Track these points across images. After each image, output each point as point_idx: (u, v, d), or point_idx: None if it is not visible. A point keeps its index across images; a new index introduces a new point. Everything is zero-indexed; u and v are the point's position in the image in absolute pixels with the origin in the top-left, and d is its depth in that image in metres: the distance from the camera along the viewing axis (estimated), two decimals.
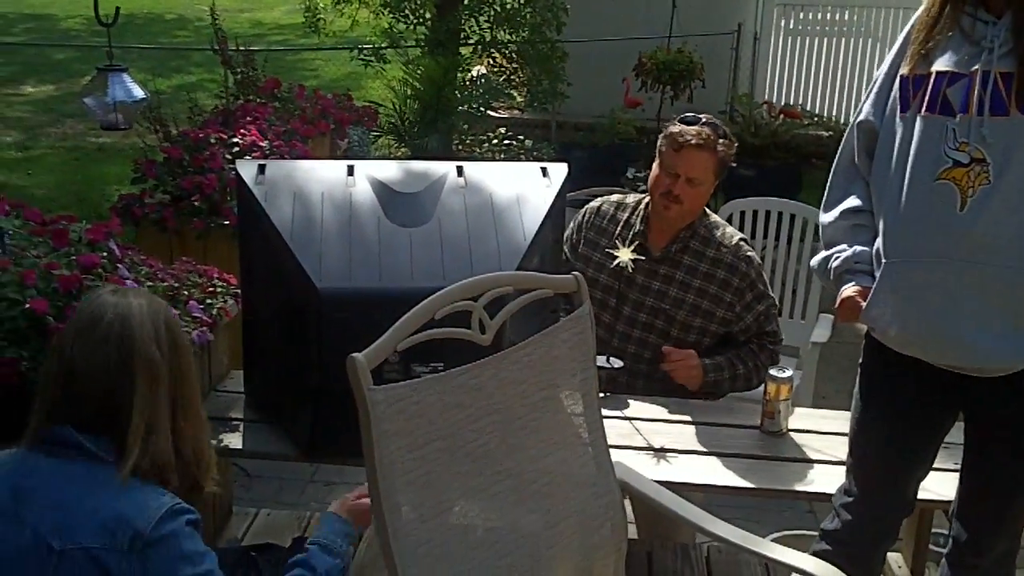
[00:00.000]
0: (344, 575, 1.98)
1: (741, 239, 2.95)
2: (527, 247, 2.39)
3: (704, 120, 2.86)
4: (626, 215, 3.00)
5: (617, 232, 2.97)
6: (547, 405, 1.99)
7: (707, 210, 2.98)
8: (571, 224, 3.05)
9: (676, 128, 2.85)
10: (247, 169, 2.49)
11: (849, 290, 2.16)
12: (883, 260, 2.10)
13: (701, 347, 2.90)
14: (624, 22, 7.89)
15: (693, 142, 2.80)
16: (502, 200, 2.51)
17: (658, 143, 2.90)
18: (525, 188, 2.55)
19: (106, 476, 1.68)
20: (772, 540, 2.23)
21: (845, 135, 2.27)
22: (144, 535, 1.63)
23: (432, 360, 2.16)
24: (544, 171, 2.61)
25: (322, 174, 2.53)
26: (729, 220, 4.15)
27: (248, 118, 4.68)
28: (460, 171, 2.57)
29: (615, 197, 3.10)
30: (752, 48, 8.65)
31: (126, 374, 1.71)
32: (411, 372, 2.21)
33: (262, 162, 2.56)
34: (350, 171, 2.52)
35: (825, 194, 2.30)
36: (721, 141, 2.85)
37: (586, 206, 3.09)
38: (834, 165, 2.29)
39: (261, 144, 4.31)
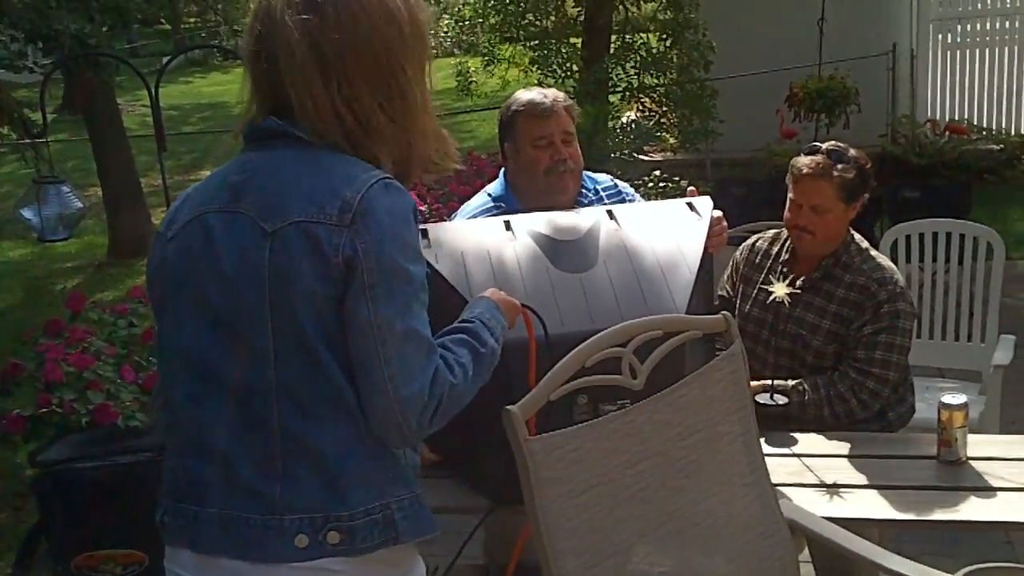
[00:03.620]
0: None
1: (885, 266, 2.88)
2: (694, 281, 2.37)
3: (824, 148, 2.87)
4: (776, 248, 3.03)
5: (768, 265, 2.99)
6: (706, 446, 1.98)
7: (855, 237, 2.94)
8: (730, 263, 3.07)
9: (795, 160, 2.89)
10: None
11: None
12: None
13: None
14: (772, 53, 7.80)
15: (806, 172, 2.82)
16: (660, 239, 2.50)
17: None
18: (677, 224, 2.56)
19: (315, 155, 1.62)
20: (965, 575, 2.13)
21: None
22: (352, 205, 1.55)
23: (620, 398, 2.13)
24: (691, 206, 2.62)
25: (483, 231, 2.60)
26: (895, 244, 4.03)
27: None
28: (611, 215, 2.60)
29: (770, 233, 3.12)
30: (910, 67, 8.40)
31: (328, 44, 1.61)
32: (599, 411, 2.18)
33: (423, 227, 2.64)
34: (507, 226, 2.58)
35: None
36: (839, 167, 2.82)
37: (743, 243, 3.11)
38: None
39: (421, 208, 4.47)
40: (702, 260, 2.45)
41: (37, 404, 2.33)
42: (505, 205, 2.80)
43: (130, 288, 2.84)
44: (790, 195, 2.89)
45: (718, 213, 2.55)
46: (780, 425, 2.81)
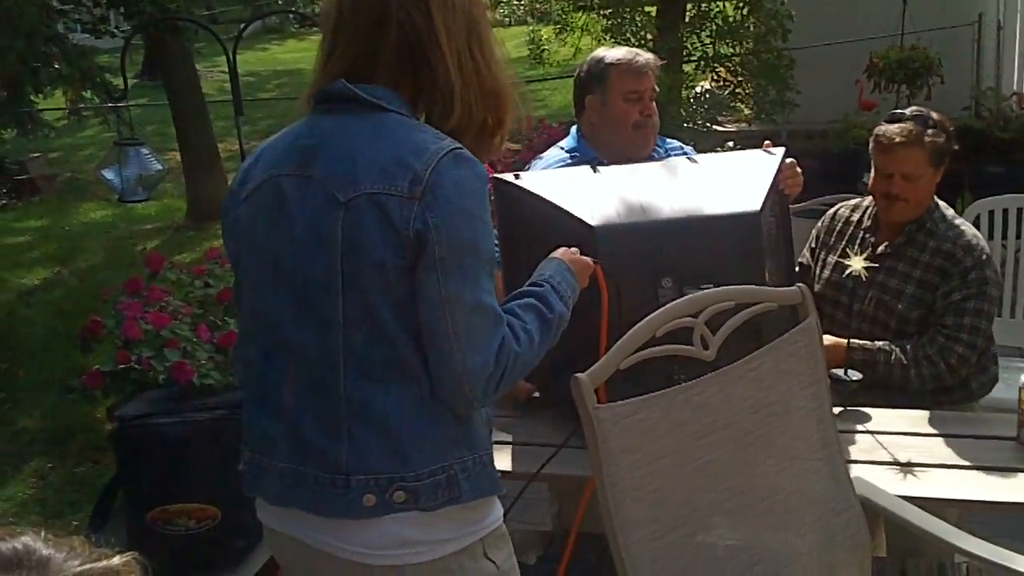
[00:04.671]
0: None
1: (971, 233, 2.85)
2: (765, 195, 2.34)
3: (908, 115, 2.83)
4: (857, 215, 3.02)
5: (849, 232, 2.99)
6: (777, 420, 1.96)
7: (939, 204, 2.91)
8: (812, 232, 3.08)
9: (881, 130, 2.84)
10: (504, 180, 2.56)
11: None
12: None
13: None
14: (852, 23, 7.60)
15: (898, 140, 2.78)
16: (731, 163, 2.63)
17: (869, 147, 2.88)
18: (752, 156, 2.61)
19: (385, 123, 1.63)
20: None
21: None
22: (422, 178, 1.55)
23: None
24: (765, 151, 2.66)
25: (571, 171, 2.66)
26: (977, 220, 3.93)
27: None
28: (689, 159, 2.72)
29: (853, 201, 3.11)
30: (996, 38, 8.13)
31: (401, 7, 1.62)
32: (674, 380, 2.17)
33: (517, 174, 2.64)
34: (594, 169, 2.58)
35: None
36: (929, 132, 2.80)
37: (826, 212, 3.12)
38: None
39: (491, 173, 4.46)
40: (778, 194, 2.47)
41: (116, 361, 2.39)
42: (580, 155, 2.85)
43: (206, 250, 2.89)
44: (876, 165, 2.86)
45: (793, 161, 2.59)
46: (866, 389, 2.77)
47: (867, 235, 2.94)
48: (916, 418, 2.69)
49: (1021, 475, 2.40)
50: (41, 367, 5.80)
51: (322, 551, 1.65)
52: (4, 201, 10.26)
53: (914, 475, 2.42)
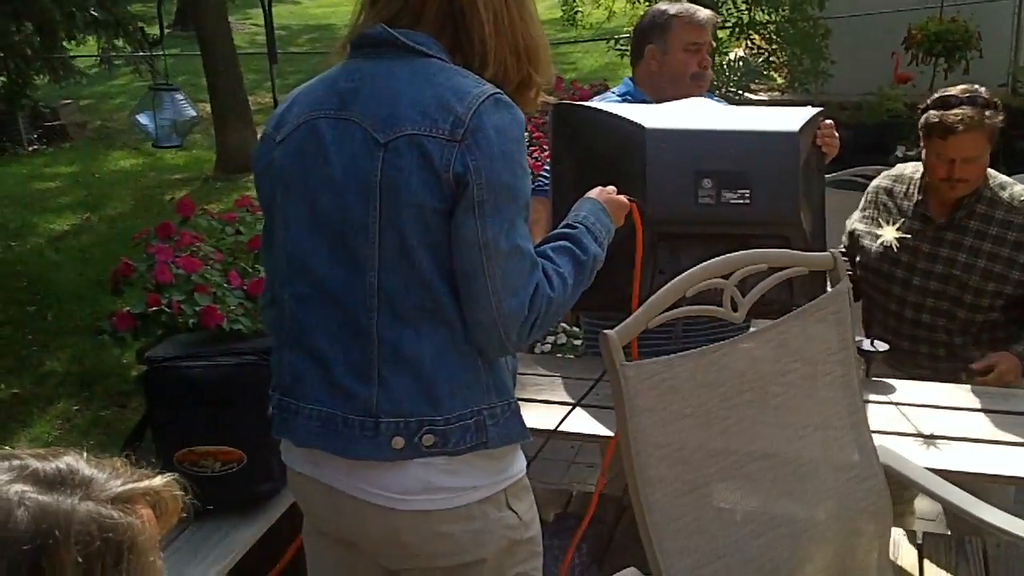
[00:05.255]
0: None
1: None
2: (804, 123, 2.40)
3: (961, 97, 2.75)
4: (905, 187, 2.97)
5: (897, 205, 2.96)
6: (803, 385, 1.96)
7: (990, 170, 2.87)
8: (862, 200, 3.08)
9: (937, 116, 2.75)
10: (562, 104, 2.69)
11: None
12: None
13: (995, 310, 2.84)
14: None
15: (961, 128, 2.71)
16: (773, 108, 2.72)
17: (921, 129, 2.82)
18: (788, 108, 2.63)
19: (426, 67, 1.63)
20: None
21: None
22: (464, 121, 1.56)
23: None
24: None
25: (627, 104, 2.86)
26: None
27: None
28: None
29: (895, 170, 3.07)
30: None
31: None
32: None
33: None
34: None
35: None
36: (987, 113, 2.73)
37: (869, 185, 3.10)
38: None
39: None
40: (815, 148, 2.50)
41: (146, 304, 2.40)
42: (632, 100, 2.97)
43: (236, 200, 2.91)
44: (936, 151, 2.78)
45: (831, 121, 2.59)
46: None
47: (919, 208, 2.89)
48: (940, 391, 2.69)
49: None
50: (69, 312, 5.86)
51: (347, 494, 1.67)
52: (35, 147, 10.33)
53: (936, 447, 2.43)
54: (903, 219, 2.90)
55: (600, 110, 2.47)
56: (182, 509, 0.99)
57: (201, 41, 8.79)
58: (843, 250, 3.05)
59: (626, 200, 1.94)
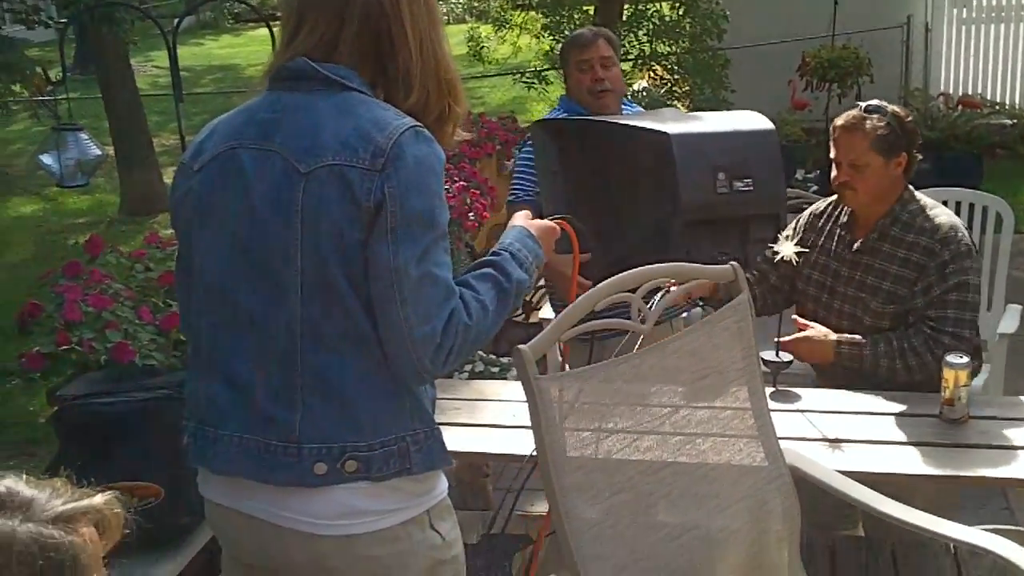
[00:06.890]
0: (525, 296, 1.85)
1: (949, 223, 2.82)
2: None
3: (864, 106, 2.84)
4: (834, 211, 3.00)
5: (828, 229, 2.98)
6: (711, 392, 2.03)
7: (914, 194, 2.89)
8: (792, 223, 3.07)
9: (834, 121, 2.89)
10: (551, 120, 3.18)
11: None
12: None
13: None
14: (785, 24, 7.78)
15: (840, 123, 2.83)
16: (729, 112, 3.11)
17: None
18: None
19: (347, 100, 1.65)
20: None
21: None
22: (384, 150, 1.59)
23: None
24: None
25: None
26: None
27: None
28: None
29: (835, 196, 3.06)
30: (924, 40, 8.37)
31: None
32: None
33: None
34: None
35: None
36: (873, 117, 2.78)
37: (808, 208, 3.14)
38: None
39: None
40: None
41: (56, 343, 2.38)
42: (569, 113, 3.28)
43: (144, 238, 2.89)
44: (832, 155, 2.89)
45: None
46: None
47: (842, 231, 2.92)
48: (844, 398, 2.78)
49: (942, 449, 2.50)
50: None
51: (268, 523, 1.66)
52: None
53: (841, 450, 2.52)
54: (833, 243, 2.93)
55: (613, 124, 2.82)
56: (124, 525, 0.99)
57: (102, 84, 8.67)
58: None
59: (553, 224, 1.98)
